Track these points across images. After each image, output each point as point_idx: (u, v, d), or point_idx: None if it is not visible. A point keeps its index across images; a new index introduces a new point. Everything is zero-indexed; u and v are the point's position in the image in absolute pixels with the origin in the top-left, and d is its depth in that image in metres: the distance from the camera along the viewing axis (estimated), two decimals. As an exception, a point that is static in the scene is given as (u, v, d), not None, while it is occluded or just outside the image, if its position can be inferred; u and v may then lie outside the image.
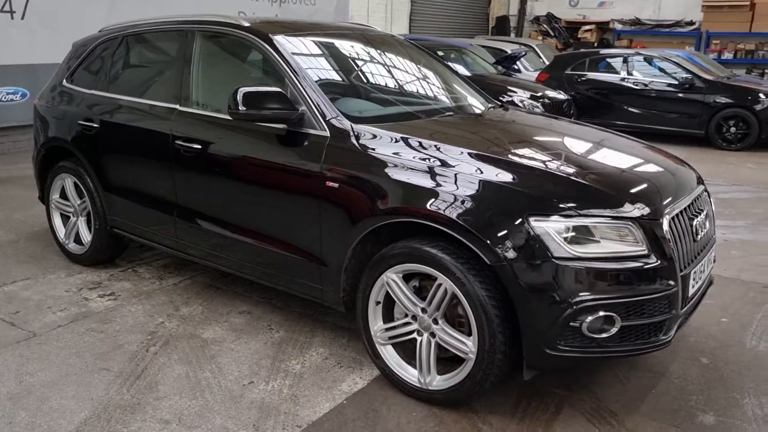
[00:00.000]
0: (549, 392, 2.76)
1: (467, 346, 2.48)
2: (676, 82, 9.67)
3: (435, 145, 2.73)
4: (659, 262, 2.37)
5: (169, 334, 3.26)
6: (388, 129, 2.87)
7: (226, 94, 2.95)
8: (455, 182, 2.50)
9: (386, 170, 2.64)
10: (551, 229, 2.31)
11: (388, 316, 2.77)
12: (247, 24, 3.30)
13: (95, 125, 3.83)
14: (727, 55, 14.46)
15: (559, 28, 16.46)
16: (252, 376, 2.87)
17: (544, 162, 2.67)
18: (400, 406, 2.66)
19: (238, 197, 3.20)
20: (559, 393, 2.76)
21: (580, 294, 2.30)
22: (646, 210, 2.43)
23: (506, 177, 2.51)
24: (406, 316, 2.68)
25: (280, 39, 3.18)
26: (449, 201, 2.45)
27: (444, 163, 2.60)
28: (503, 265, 2.33)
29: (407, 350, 2.74)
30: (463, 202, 2.43)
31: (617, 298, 2.33)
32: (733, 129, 9.24)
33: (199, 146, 3.26)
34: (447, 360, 2.64)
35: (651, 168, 2.88)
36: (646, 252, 2.36)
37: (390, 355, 2.76)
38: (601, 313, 2.32)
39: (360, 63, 3.58)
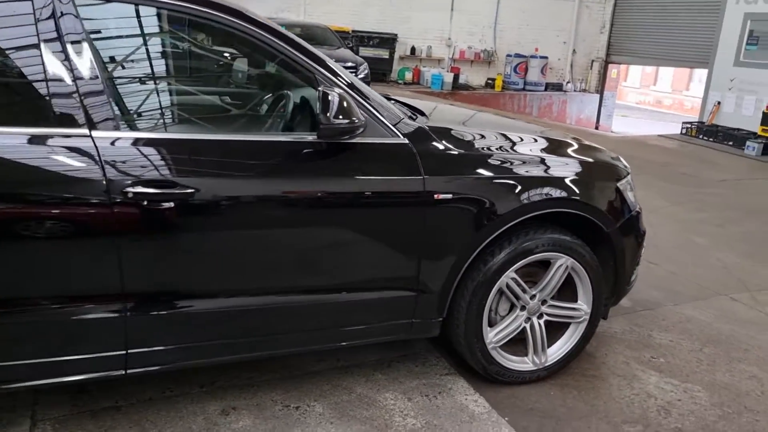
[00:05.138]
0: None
1: (581, 309, 2.75)
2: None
3: (512, 137, 2.76)
4: (635, 201, 3.19)
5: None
6: (453, 126, 2.65)
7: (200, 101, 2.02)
8: (565, 167, 2.65)
9: (504, 168, 2.50)
10: (627, 188, 2.82)
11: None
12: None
13: None
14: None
15: None
16: (403, 455, 2.27)
17: (573, 139, 3.03)
18: (534, 395, 2.69)
19: (274, 251, 2.23)
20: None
21: (643, 233, 2.92)
22: (625, 165, 3.18)
23: (582, 153, 2.81)
24: (512, 310, 2.67)
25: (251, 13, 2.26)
26: (574, 184, 2.59)
27: (541, 151, 2.70)
28: (615, 230, 2.70)
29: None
30: (582, 183, 2.62)
31: (644, 231, 3.04)
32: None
33: (191, 190, 2.05)
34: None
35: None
36: None
37: (504, 356, 2.70)
38: (644, 246, 3.01)
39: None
